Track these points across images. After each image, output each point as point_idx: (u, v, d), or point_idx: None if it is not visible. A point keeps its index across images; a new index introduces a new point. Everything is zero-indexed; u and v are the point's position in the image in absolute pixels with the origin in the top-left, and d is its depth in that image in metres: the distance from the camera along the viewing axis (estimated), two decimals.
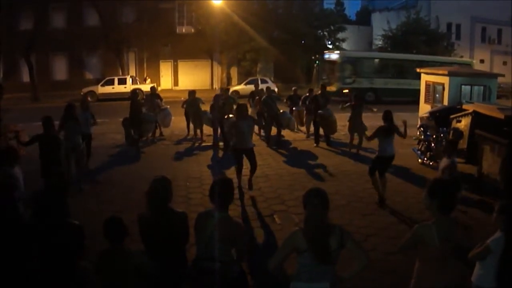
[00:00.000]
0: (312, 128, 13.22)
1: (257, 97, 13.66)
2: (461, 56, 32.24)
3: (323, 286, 3.19)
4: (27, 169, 7.53)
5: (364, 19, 45.18)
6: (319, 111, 12.24)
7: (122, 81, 26.85)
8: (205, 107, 13.40)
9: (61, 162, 7.37)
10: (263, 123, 12.83)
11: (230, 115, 12.27)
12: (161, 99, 14.33)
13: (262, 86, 16.31)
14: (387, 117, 7.78)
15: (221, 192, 3.59)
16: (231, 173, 9.59)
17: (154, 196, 3.78)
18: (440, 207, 3.38)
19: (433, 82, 13.25)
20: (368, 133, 9.15)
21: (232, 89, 24.39)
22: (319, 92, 13.31)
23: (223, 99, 12.54)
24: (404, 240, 3.56)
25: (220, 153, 11.75)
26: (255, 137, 11.60)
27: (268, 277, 3.43)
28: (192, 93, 13.64)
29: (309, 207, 3.21)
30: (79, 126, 8.76)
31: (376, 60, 26.94)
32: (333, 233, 3.17)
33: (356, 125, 11.34)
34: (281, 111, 13.35)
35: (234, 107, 10.12)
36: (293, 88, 15.61)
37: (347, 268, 3.31)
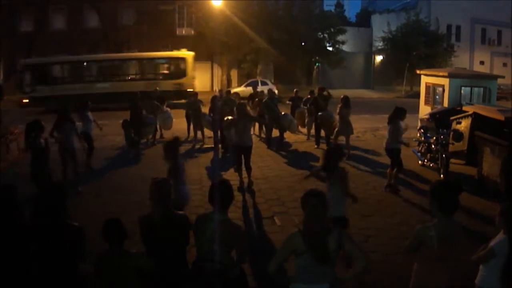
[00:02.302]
0: (313, 130, 13.24)
1: (257, 99, 13.65)
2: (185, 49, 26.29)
3: (323, 287, 3.19)
4: (27, 170, 7.57)
5: (364, 20, 45.13)
6: (320, 113, 12.25)
7: None
8: (205, 109, 13.40)
9: (48, 166, 7.50)
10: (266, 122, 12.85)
11: (229, 117, 12.28)
12: (164, 101, 14.40)
13: (262, 88, 16.34)
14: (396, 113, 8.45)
15: (220, 194, 3.60)
16: (230, 174, 9.59)
17: (154, 197, 3.79)
18: (442, 208, 3.38)
19: (433, 84, 13.25)
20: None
21: (232, 91, 24.35)
22: (321, 94, 13.26)
23: (222, 101, 12.54)
24: (407, 243, 3.56)
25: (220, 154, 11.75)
26: (255, 139, 11.60)
27: (268, 279, 3.42)
28: (193, 95, 13.65)
29: (308, 207, 3.21)
30: (75, 128, 8.87)
31: (62, 65, 24.64)
32: (331, 234, 3.17)
33: (343, 128, 11.32)
34: (282, 113, 13.35)
35: (235, 108, 10.26)
36: (294, 90, 15.61)
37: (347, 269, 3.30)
